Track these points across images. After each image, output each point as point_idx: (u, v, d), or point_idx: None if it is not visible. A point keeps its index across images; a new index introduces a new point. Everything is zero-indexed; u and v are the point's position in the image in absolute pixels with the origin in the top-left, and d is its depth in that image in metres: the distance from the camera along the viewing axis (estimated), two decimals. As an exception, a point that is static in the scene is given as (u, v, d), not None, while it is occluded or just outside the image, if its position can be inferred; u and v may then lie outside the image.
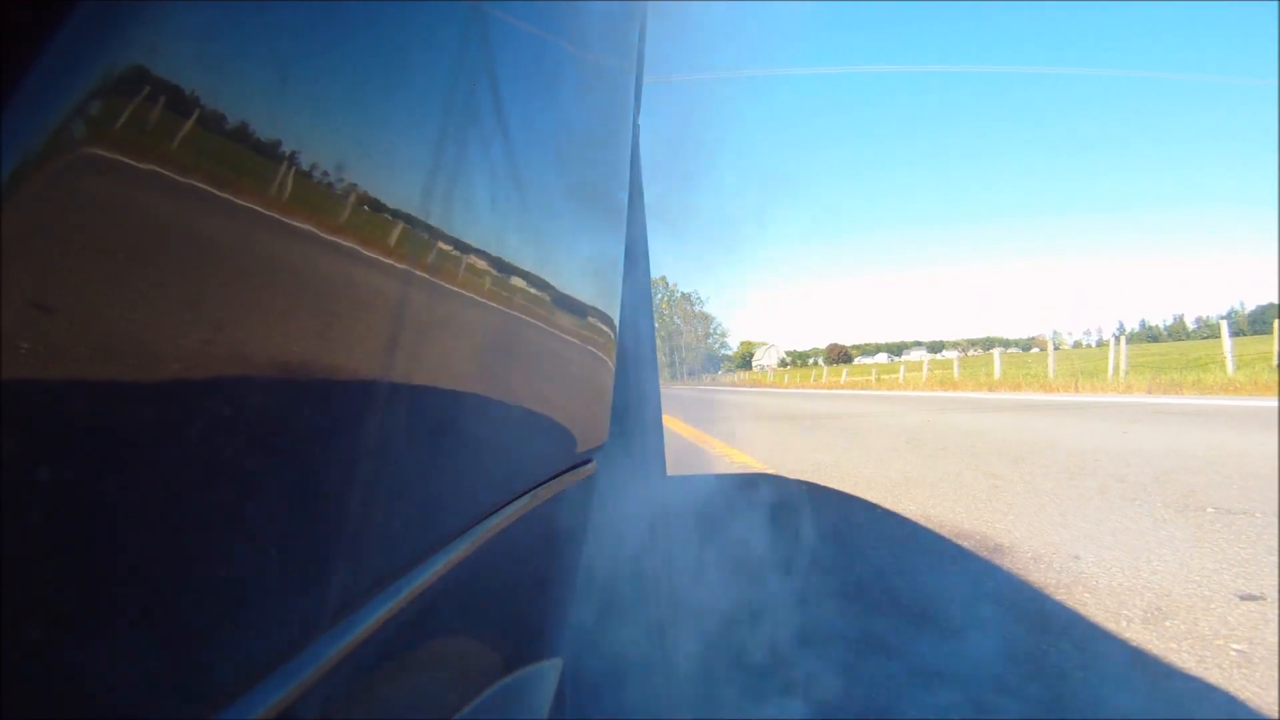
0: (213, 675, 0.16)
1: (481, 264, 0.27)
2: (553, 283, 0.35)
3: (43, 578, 0.12)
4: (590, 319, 0.43)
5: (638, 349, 0.65)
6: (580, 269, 0.41)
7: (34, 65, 0.11)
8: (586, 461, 0.45)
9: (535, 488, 0.35)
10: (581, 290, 0.41)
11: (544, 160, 0.35)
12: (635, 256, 0.67)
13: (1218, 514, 1.86)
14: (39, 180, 0.11)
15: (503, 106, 0.28)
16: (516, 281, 0.31)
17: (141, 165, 0.13)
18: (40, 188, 0.11)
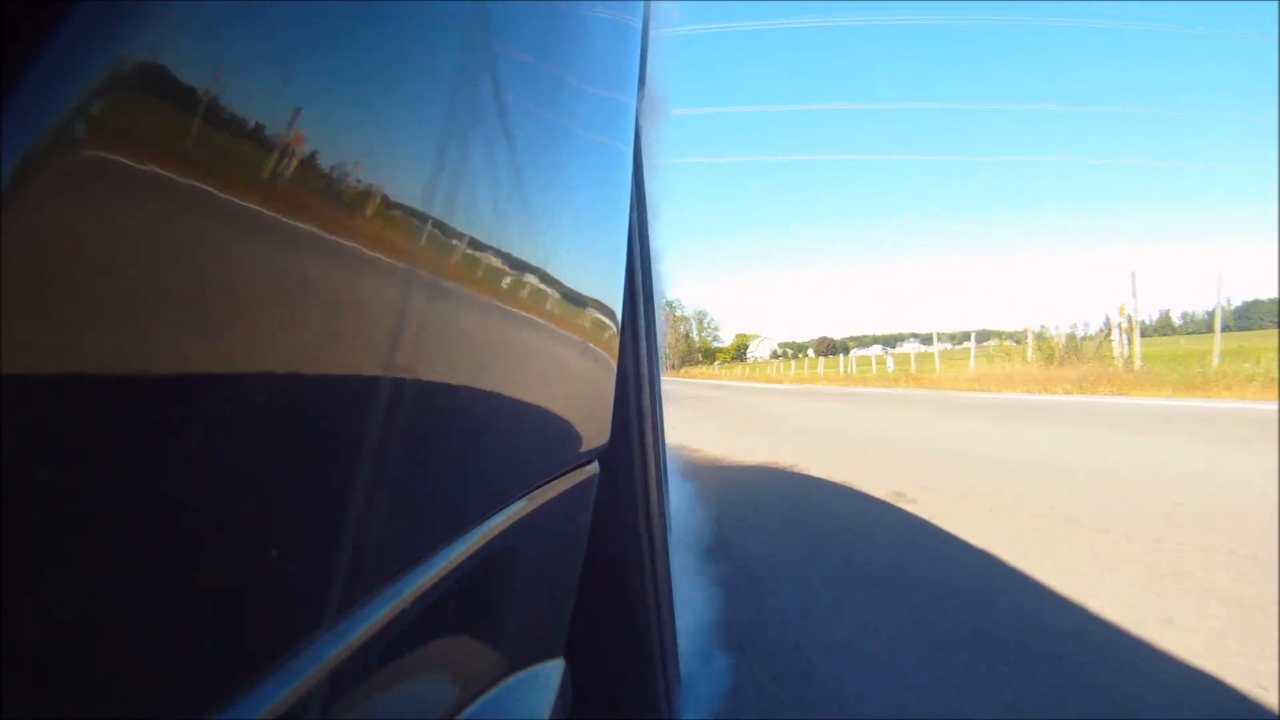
0: (213, 676, 0.16)
1: (483, 265, 0.27)
2: (554, 283, 0.35)
3: (42, 577, 0.12)
4: (592, 320, 0.43)
5: (640, 349, 0.64)
6: (582, 269, 0.41)
7: (35, 64, 0.11)
8: (588, 462, 0.45)
9: (536, 489, 0.35)
10: (583, 291, 0.41)
11: (547, 161, 0.35)
12: (638, 255, 0.66)
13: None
14: (40, 180, 0.11)
15: (505, 107, 0.28)
16: (518, 282, 0.30)
17: (143, 165, 0.13)
18: (41, 187, 0.11)
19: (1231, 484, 2.53)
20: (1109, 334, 11.22)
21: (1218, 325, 9.85)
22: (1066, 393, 8.20)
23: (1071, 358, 11.09)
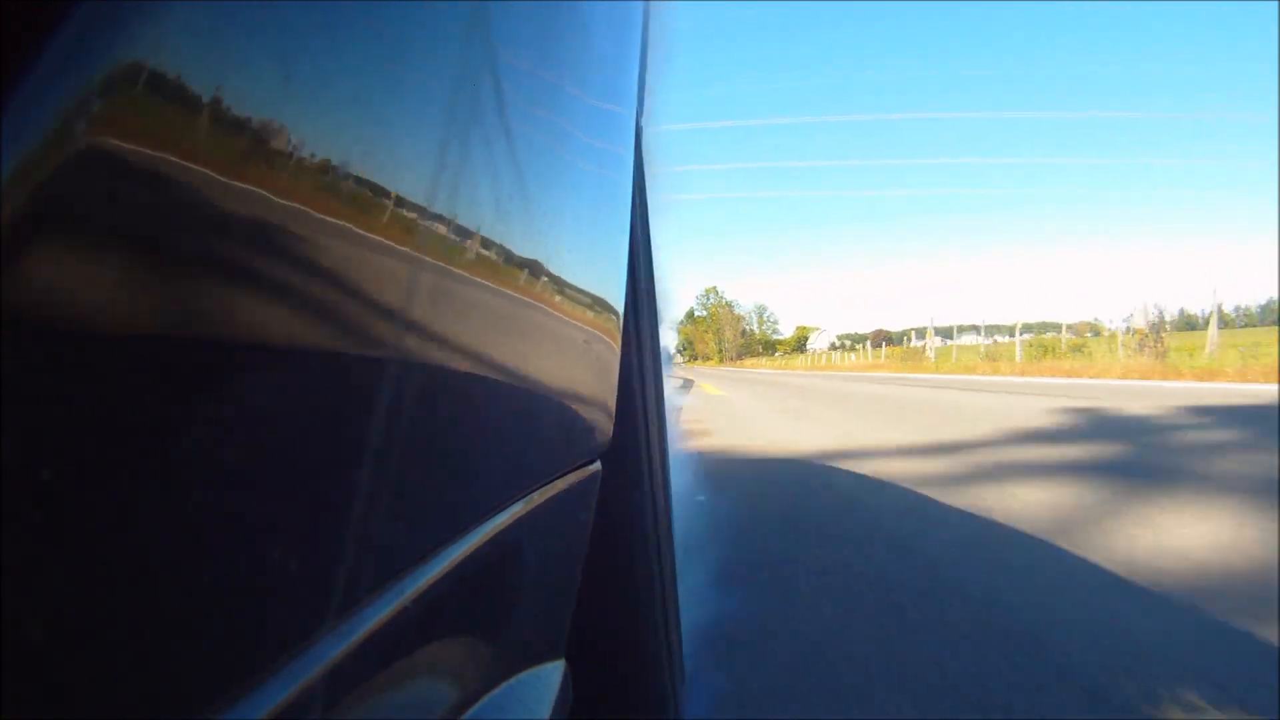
0: (213, 676, 0.16)
1: (485, 263, 0.27)
2: (556, 281, 0.35)
3: (43, 577, 0.12)
4: (594, 319, 0.43)
5: (642, 348, 0.64)
6: (584, 267, 0.41)
7: (35, 64, 0.11)
8: (590, 462, 0.45)
9: (537, 488, 0.35)
10: (586, 288, 0.41)
11: (548, 160, 0.35)
12: (640, 254, 0.66)
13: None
14: (40, 180, 0.11)
15: (506, 106, 0.28)
16: (519, 281, 0.30)
17: (143, 165, 0.13)
18: (41, 187, 0.11)
19: (863, 394, 8.54)
20: (923, 346, 24.42)
21: (1120, 338, 15.33)
22: (900, 372, 17.94)
23: (910, 356, 24.33)
